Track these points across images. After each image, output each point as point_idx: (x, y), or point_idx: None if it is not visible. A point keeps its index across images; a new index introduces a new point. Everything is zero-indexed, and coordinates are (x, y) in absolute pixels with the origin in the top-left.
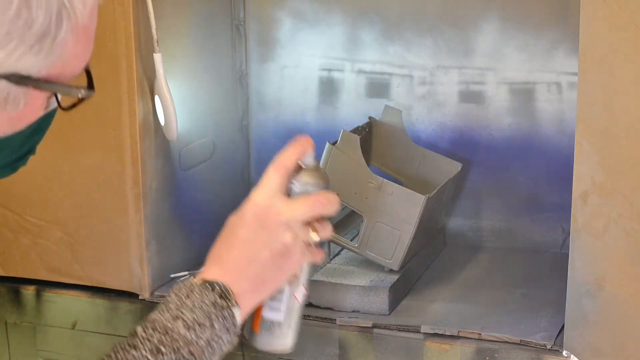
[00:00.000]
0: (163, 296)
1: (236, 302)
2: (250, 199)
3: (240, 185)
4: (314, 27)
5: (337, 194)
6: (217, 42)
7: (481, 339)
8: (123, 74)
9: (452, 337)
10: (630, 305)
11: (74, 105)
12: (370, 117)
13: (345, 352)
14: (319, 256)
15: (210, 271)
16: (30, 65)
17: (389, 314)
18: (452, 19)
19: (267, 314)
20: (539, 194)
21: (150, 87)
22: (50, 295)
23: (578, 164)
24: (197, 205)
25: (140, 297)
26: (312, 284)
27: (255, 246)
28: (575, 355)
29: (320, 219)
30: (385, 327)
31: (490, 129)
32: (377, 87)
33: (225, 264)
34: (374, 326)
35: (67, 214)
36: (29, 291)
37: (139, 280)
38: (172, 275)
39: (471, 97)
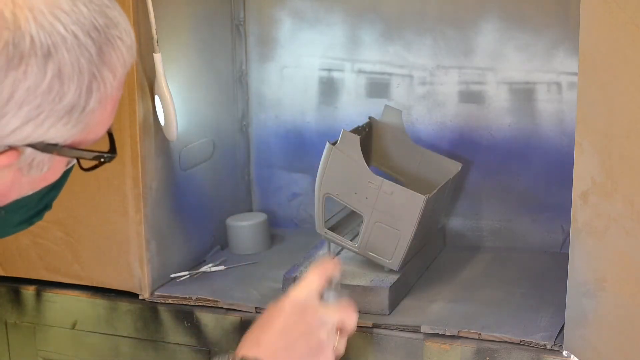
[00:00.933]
0: (163, 296)
1: None
2: (290, 294)
3: (240, 185)
4: (314, 27)
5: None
6: (217, 42)
7: (481, 339)
8: None
9: (452, 337)
10: (630, 305)
11: (95, 167)
12: (370, 117)
13: (346, 352)
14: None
15: (248, 351)
16: (57, 135)
17: (389, 314)
18: (452, 19)
19: None
20: (539, 194)
21: (150, 87)
22: (50, 295)
23: (578, 164)
24: (197, 205)
25: (140, 297)
26: None
27: (292, 335)
28: (575, 355)
29: (341, 330)
30: (385, 327)
31: (490, 129)
32: (377, 87)
33: (263, 346)
34: (374, 326)
35: (67, 214)
36: (29, 291)
37: (139, 280)
38: (172, 275)
39: (471, 97)
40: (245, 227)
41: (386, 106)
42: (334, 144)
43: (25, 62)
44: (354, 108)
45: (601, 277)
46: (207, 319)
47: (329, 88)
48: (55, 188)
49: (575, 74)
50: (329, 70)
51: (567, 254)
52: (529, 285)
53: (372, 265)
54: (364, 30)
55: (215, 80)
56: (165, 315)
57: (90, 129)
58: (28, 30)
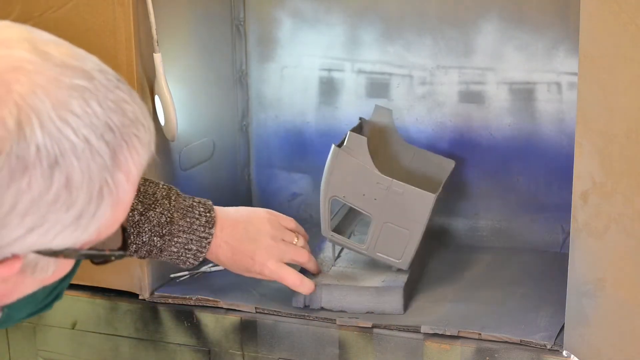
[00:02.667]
0: (163, 296)
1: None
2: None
3: (240, 185)
4: (314, 27)
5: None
6: (217, 42)
7: (481, 339)
8: (123, 74)
9: (452, 337)
10: (630, 305)
11: (105, 261)
12: (360, 118)
13: (345, 352)
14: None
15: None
16: (64, 242)
17: (404, 313)
18: (452, 19)
19: None
20: (539, 194)
21: (150, 87)
22: None
23: (578, 164)
24: None
25: (140, 297)
26: (323, 288)
27: (245, 216)
28: (575, 355)
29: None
30: (385, 327)
31: (490, 129)
32: (377, 87)
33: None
34: (374, 326)
35: None
36: None
37: (139, 280)
38: (172, 275)
39: (471, 97)
40: None
41: (376, 106)
42: (339, 145)
43: (30, 174)
44: (354, 108)
45: (601, 277)
46: (207, 319)
47: (329, 88)
48: (66, 279)
49: (575, 74)
50: (329, 70)
51: (567, 254)
52: (529, 285)
53: (376, 266)
54: (364, 30)
55: (215, 80)
56: (165, 315)
57: (100, 232)
58: (33, 139)
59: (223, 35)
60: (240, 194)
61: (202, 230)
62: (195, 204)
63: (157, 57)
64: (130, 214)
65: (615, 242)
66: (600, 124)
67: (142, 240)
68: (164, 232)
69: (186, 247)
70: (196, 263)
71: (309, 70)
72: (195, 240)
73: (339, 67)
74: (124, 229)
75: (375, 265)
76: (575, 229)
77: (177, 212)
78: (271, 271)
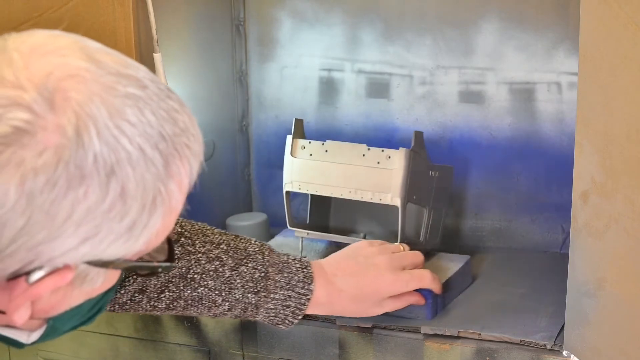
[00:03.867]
0: None
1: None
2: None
3: (240, 185)
4: (314, 27)
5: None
6: (217, 42)
7: (481, 339)
8: None
9: (452, 337)
10: (630, 305)
11: (152, 273)
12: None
13: (345, 352)
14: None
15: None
16: (116, 252)
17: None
18: (452, 19)
19: None
20: (539, 194)
21: None
22: None
23: (578, 164)
24: (197, 205)
25: None
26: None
27: (353, 254)
28: (575, 355)
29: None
30: (385, 327)
31: (490, 129)
32: (377, 87)
33: (326, 259)
34: (374, 326)
35: None
36: None
37: None
38: None
39: (471, 97)
40: (245, 227)
41: None
42: (411, 149)
43: (87, 183)
44: (354, 108)
45: (601, 277)
46: (207, 319)
47: (329, 88)
48: (109, 291)
49: (575, 74)
50: (329, 70)
51: (567, 254)
52: (529, 285)
53: None
54: (364, 30)
55: (215, 80)
56: (165, 315)
57: (150, 242)
58: (91, 148)
59: (223, 35)
60: (240, 194)
61: (302, 286)
62: (290, 260)
63: (157, 57)
64: (221, 269)
65: (616, 242)
66: (600, 124)
67: (235, 297)
68: (258, 288)
69: (284, 303)
70: (296, 322)
71: (308, 70)
72: (293, 297)
73: (339, 67)
74: (169, 240)
75: None
76: (575, 229)
77: (272, 267)
78: (402, 306)
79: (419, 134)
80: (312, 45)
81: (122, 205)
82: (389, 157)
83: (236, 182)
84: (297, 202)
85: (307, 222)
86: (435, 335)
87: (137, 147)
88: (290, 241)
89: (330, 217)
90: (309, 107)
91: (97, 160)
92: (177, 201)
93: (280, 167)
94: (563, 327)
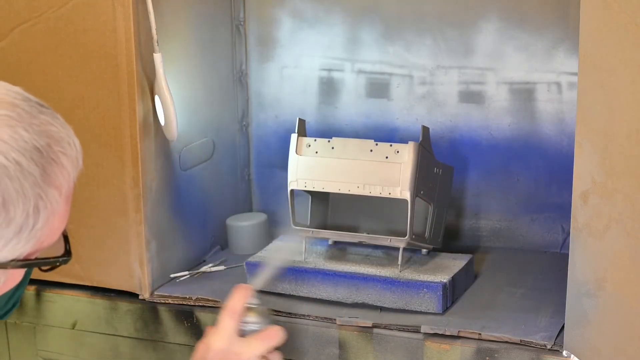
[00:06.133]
0: (163, 296)
1: None
2: (209, 346)
3: (240, 185)
4: (314, 27)
5: (280, 330)
6: (217, 42)
7: (481, 339)
8: (123, 74)
9: (452, 337)
10: (630, 305)
11: (52, 268)
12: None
13: (345, 352)
14: None
15: None
16: (9, 254)
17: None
18: (452, 19)
19: None
20: (539, 194)
21: (150, 87)
22: (50, 295)
23: (578, 164)
24: (197, 205)
25: (140, 297)
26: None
27: None
28: (575, 355)
29: (271, 350)
30: (385, 327)
31: (490, 129)
32: (377, 87)
33: None
34: (374, 326)
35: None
36: (29, 291)
37: (139, 280)
38: (172, 275)
39: (471, 97)
40: (245, 227)
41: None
42: (419, 143)
43: None
44: (354, 108)
45: (601, 277)
46: (207, 319)
47: (329, 88)
48: (20, 287)
49: (575, 74)
50: (329, 70)
51: (567, 254)
52: (529, 285)
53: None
54: (364, 30)
55: (215, 80)
56: (165, 315)
57: (42, 240)
58: None
59: (223, 35)
60: (240, 194)
61: None
62: None
63: (157, 57)
64: None
65: (616, 242)
66: (600, 124)
67: None
68: None
69: None
70: None
71: (308, 70)
72: None
73: (339, 67)
74: (65, 237)
75: (390, 259)
76: (575, 229)
77: None
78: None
79: (426, 129)
80: (312, 45)
81: (6, 213)
82: (397, 152)
83: (236, 182)
84: (296, 203)
85: (309, 223)
86: (435, 335)
87: (13, 161)
88: (291, 245)
89: (330, 216)
90: (309, 107)
91: None
92: (59, 203)
93: (281, 166)
94: (563, 327)
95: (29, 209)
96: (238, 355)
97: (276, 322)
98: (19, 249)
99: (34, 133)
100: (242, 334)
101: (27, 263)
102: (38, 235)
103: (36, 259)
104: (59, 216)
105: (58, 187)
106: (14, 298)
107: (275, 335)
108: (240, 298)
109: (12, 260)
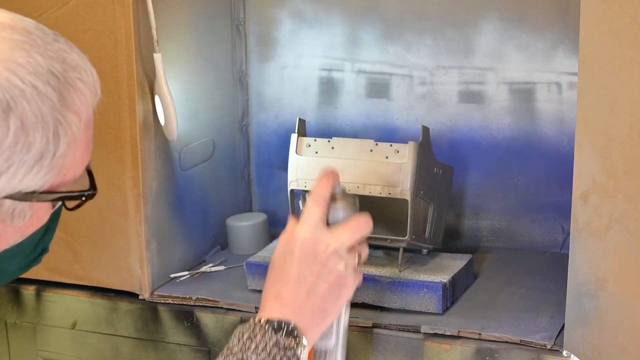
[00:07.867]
0: (163, 296)
1: (302, 341)
2: (295, 235)
3: (240, 185)
4: (314, 27)
5: (370, 217)
6: (217, 42)
7: (481, 339)
8: (123, 74)
9: (452, 337)
10: (631, 305)
11: (79, 205)
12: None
13: (346, 352)
14: (361, 276)
15: (272, 311)
16: (32, 183)
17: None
18: (452, 19)
19: (319, 343)
20: (539, 194)
21: (150, 87)
22: (50, 295)
23: (578, 164)
24: (197, 205)
25: (140, 297)
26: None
27: (312, 280)
28: (575, 355)
29: (360, 241)
30: (385, 327)
31: (490, 129)
32: (377, 87)
33: (286, 303)
34: (374, 326)
35: (67, 214)
36: (29, 291)
37: (139, 280)
38: (172, 275)
39: (471, 97)
40: (245, 227)
41: None
42: (419, 143)
43: None
44: (354, 108)
45: (602, 277)
46: (207, 319)
47: (329, 88)
48: (48, 231)
49: (575, 74)
50: (329, 70)
51: (567, 254)
52: (529, 285)
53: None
54: (364, 30)
55: (215, 81)
56: (165, 315)
57: (65, 172)
58: None
59: (223, 35)
60: (240, 194)
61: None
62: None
63: (157, 57)
64: None
65: (617, 241)
66: (600, 124)
67: None
68: None
69: None
70: None
71: (308, 70)
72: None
73: (339, 67)
74: (89, 171)
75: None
76: (575, 229)
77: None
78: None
79: (426, 129)
80: (312, 45)
81: (26, 137)
82: (398, 152)
83: (236, 182)
84: (296, 203)
85: None
86: (435, 335)
87: (30, 84)
88: None
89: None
90: (309, 107)
91: None
92: (80, 129)
93: (280, 166)
94: (563, 327)
95: (49, 134)
96: (326, 246)
97: None
98: (41, 177)
99: (50, 58)
100: (330, 223)
101: (51, 196)
102: (60, 164)
103: (61, 192)
104: (80, 145)
105: (77, 113)
106: (43, 243)
107: (365, 224)
108: (326, 184)
109: (35, 192)
